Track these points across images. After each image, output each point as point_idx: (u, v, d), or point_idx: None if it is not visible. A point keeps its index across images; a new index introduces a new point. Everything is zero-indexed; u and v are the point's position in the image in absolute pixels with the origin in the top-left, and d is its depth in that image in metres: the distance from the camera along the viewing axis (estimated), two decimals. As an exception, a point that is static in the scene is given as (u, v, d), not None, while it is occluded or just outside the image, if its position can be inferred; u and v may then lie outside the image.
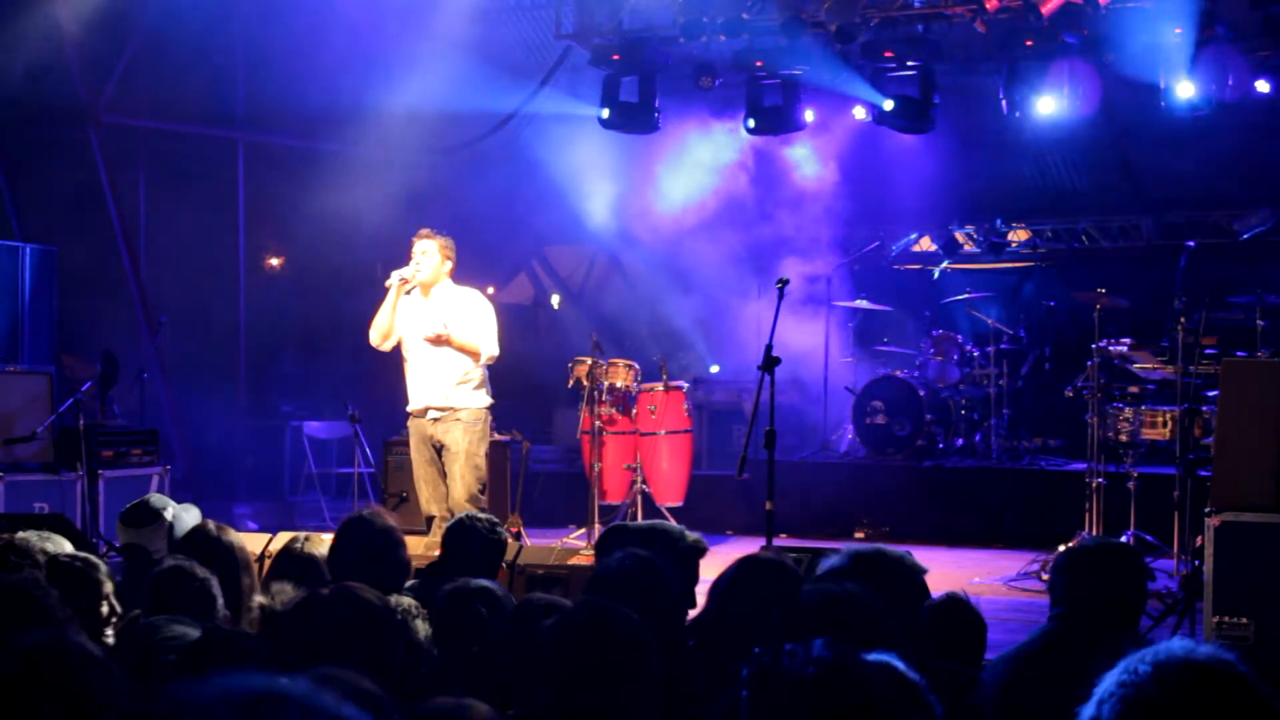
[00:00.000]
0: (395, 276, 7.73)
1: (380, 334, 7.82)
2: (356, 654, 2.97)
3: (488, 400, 7.92)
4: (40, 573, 3.76)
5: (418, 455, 7.85)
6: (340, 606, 3.07)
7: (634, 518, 9.78)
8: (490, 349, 7.83)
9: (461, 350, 7.75)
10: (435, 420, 7.78)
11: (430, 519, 7.77)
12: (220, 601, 3.82)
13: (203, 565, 3.94)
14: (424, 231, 7.86)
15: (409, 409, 7.90)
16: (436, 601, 3.79)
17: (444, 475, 7.80)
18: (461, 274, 8.07)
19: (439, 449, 7.79)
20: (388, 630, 3.11)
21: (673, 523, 4.98)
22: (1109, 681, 1.85)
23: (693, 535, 4.50)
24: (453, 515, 7.25)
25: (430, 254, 7.77)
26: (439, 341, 7.69)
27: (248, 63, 12.38)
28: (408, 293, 7.83)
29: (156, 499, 5.31)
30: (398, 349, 7.96)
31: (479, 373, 7.86)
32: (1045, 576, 8.01)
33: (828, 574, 3.47)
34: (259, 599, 3.80)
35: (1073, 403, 9.18)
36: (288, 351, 13.68)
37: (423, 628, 3.61)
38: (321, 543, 4.70)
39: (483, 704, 2.28)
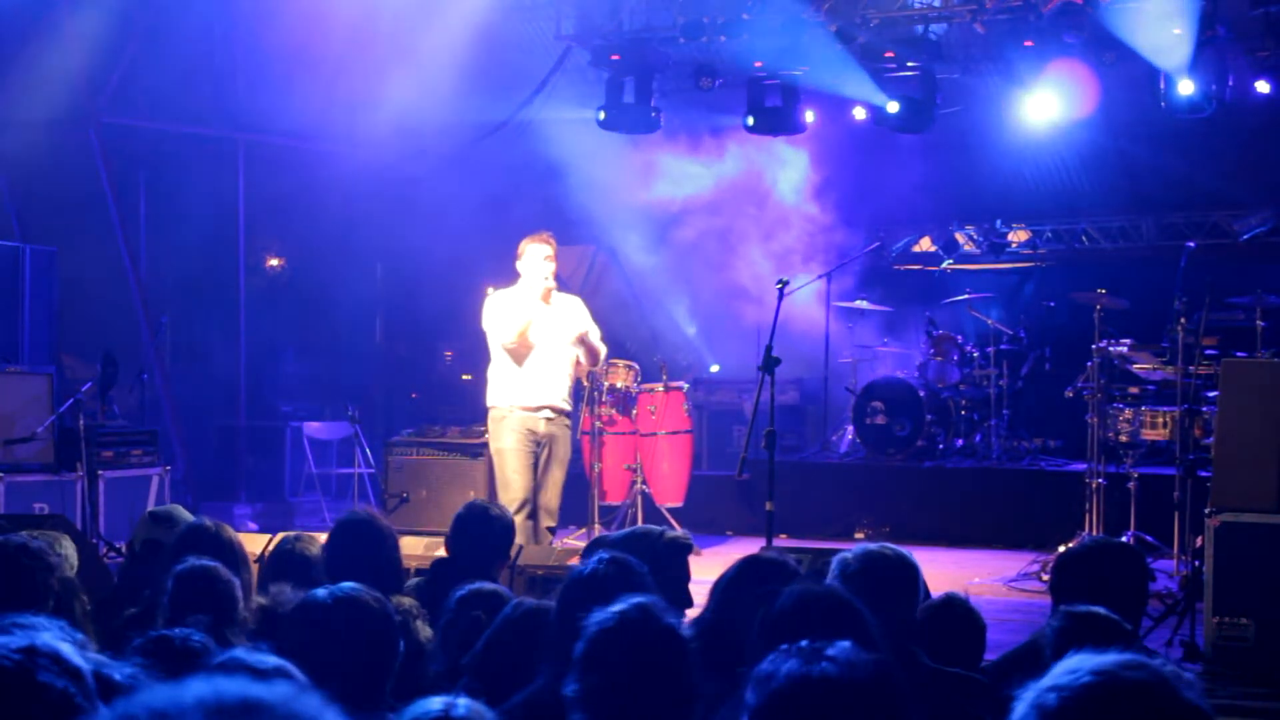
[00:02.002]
0: (542, 284, 7.93)
1: (520, 333, 7.94)
2: (356, 657, 2.97)
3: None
4: (53, 576, 3.75)
5: (521, 447, 7.94)
6: (339, 610, 3.07)
7: (634, 518, 9.78)
8: (604, 350, 8.33)
9: (590, 349, 8.12)
10: (549, 420, 8.00)
11: (525, 506, 7.83)
12: (242, 604, 3.80)
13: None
14: (548, 236, 8.10)
15: (515, 403, 7.99)
16: (447, 601, 3.78)
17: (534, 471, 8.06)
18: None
19: (541, 446, 7.97)
20: (387, 633, 3.10)
21: (656, 525, 4.96)
22: (1033, 691, 1.71)
23: (673, 533, 4.48)
24: (551, 516, 7.84)
25: (555, 261, 8.07)
26: (583, 340, 8.06)
27: (248, 63, 12.38)
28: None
29: (180, 513, 5.32)
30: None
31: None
32: (1045, 576, 8.01)
33: (819, 573, 3.47)
34: (257, 600, 3.79)
35: (1073, 403, 9.17)
36: (288, 351, 13.67)
37: (423, 629, 3.60)
38: (314, 542, 4.69)
39: (478, 704, 2.28)
